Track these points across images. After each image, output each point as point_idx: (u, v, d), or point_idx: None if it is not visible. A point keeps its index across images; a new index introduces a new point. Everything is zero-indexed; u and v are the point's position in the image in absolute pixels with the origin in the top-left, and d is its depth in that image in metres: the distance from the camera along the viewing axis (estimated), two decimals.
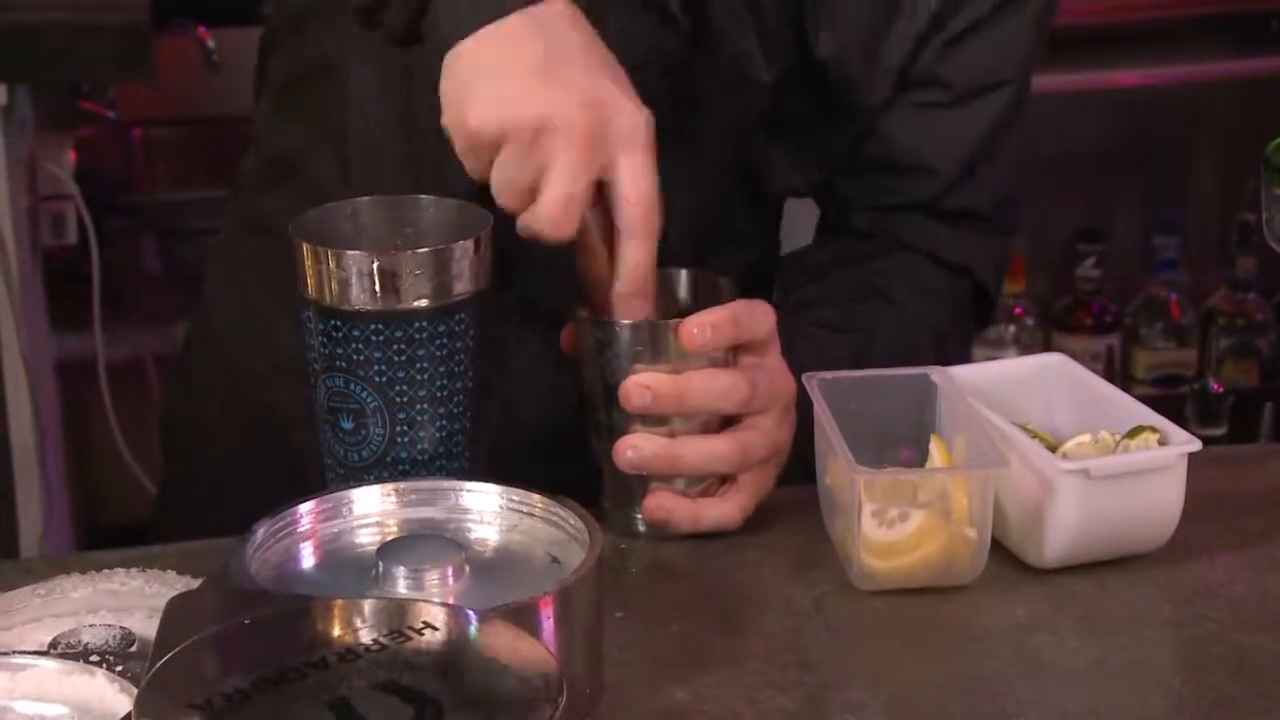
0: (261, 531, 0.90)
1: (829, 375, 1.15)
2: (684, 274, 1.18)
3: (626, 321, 1.11)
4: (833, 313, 1.30)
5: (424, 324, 1.06)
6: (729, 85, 1.27)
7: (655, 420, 1.12)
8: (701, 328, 1.10)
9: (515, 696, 0.70)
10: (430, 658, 0.73)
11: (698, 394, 1.11)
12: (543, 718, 0.68)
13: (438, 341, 1.07)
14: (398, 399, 1.07)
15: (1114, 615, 1.08)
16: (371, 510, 0.94)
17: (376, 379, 1.06)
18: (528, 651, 0.73)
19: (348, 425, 1.08)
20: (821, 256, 1.39)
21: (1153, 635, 1.08)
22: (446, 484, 0.95)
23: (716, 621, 1.08)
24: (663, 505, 1.13)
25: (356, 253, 1.06)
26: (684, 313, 1.13)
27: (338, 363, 1.07)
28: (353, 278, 1.06)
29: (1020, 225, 1.42)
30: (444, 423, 1.08)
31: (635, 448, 1.12)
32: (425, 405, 1.07)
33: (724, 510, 1.14)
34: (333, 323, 1.06)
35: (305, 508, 0.92)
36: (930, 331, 1.34)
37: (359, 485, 0.95)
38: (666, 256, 1.12)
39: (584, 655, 0.88)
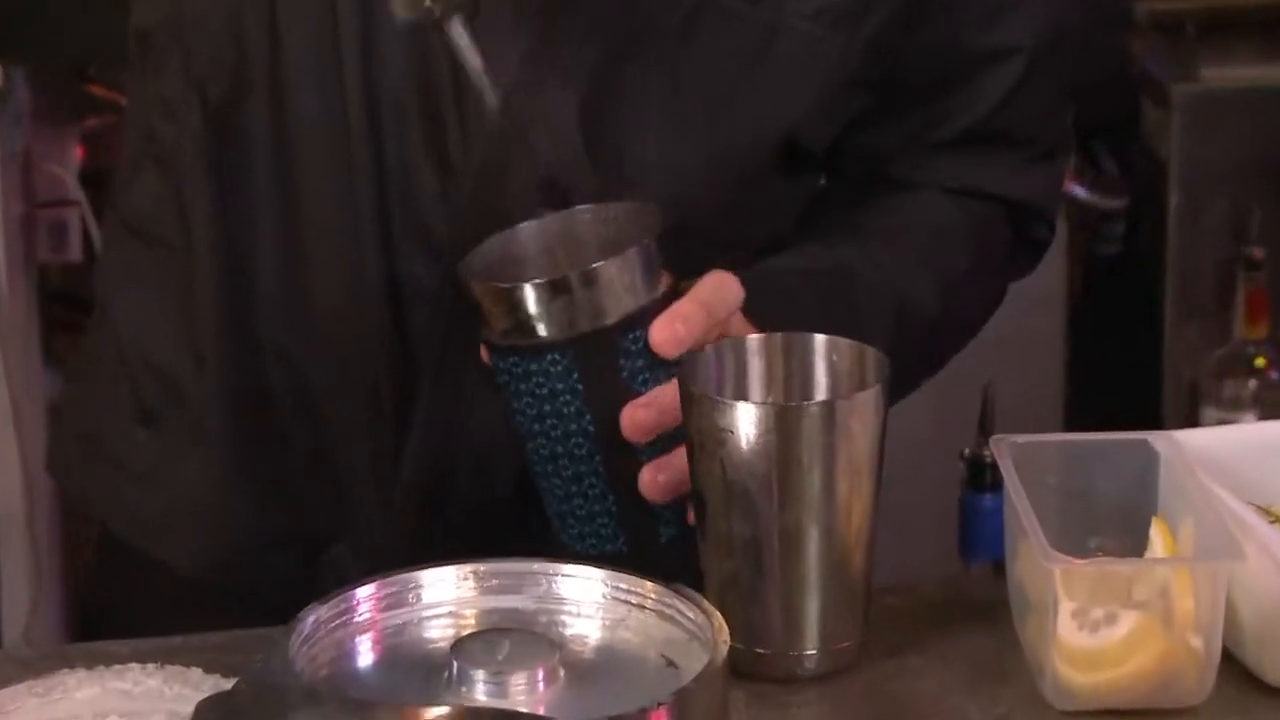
0: (310, 620, 0.64)
1: (1022, 439, 0.80)
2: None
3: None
4: (799, 256, 0.93)
5: None
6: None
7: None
8: (673, 322, 0.76)
9: None
10: None
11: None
12: None
13: None
14: None
15: None
16: (445, 597, 0.65)
17: None
18: None
19: None
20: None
21: None
22: (537, 567, 0.65)
23: None
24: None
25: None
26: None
27: None
28: None
29: (1067, 143, 1.04)
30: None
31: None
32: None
33: None
34: None
35: (364, 592, 0.65)
36: (935, 273, 0.94)
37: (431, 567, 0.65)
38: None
39: None
